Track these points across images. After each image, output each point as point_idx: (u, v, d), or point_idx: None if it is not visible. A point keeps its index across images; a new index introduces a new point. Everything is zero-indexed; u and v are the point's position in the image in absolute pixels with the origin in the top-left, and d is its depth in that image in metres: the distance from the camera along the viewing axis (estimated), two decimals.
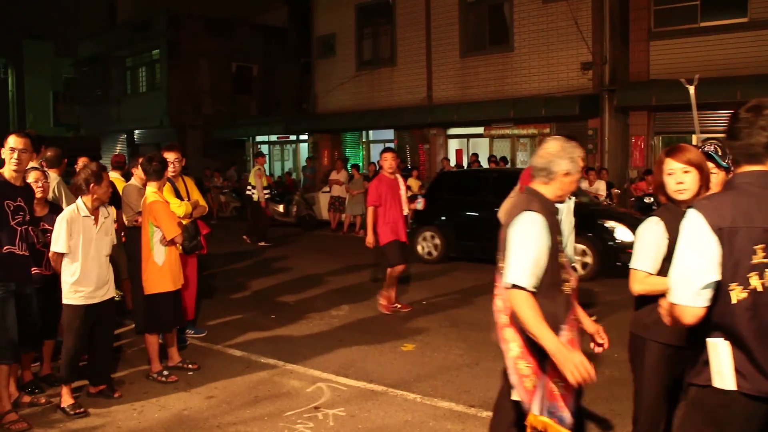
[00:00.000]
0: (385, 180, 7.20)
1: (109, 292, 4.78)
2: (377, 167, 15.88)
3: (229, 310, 7.53)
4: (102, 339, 4.82)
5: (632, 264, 2.99)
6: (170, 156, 5.86)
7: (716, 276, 2.09)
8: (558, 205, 2.94)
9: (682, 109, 13.09)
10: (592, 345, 3.03)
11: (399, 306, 7.37)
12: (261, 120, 23.34)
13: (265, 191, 13.16)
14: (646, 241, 2.95)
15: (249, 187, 13.29)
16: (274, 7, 25.82)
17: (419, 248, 10.69)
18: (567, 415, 2.75)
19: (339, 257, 11.22)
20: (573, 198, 5.54)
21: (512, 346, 2.78)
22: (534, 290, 2.67)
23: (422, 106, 17.03)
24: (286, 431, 4.25)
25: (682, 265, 2.15)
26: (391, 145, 18.26)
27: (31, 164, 4.86)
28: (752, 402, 2.09)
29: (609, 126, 14.03)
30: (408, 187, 9.40)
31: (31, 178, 4.77)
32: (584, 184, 11.43)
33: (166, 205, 5.29)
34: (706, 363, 2.17)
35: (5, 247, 4.23)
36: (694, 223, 2.14)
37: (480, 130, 16.64)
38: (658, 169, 3.02)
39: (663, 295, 2.33)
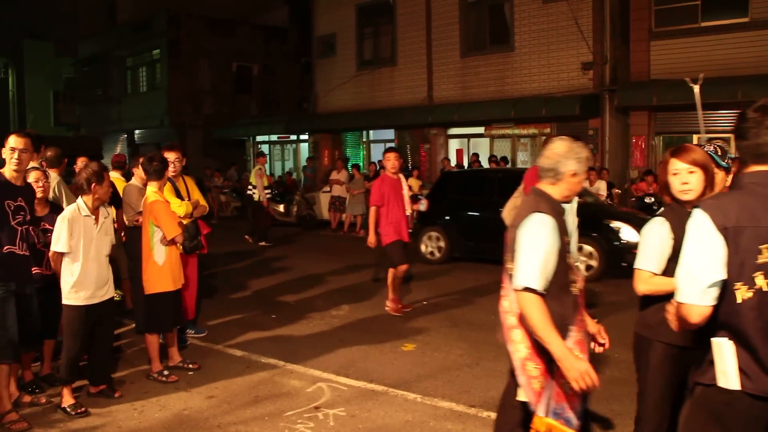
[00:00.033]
0: (387, 180, 7.19)
1: (109, 292, 4.78)
2: (377, 167, 15.93)
3: (229, 310, 7.53)
4: (102, 339, 4.82)
5: (637, 264, 2.99)
6: (171, 156, 5.86)
7: (722, 275, 2.09)
8: (563, 205, 2.94)
9: (683, 109, 13.09)
10: (593, 345, 3.03)
11: (400, 306, 7.36)
12: (261, 120, 23.34)
13: (266, 191, 13.16)
14: (651, 241, 2.95)
15: (250, 187, 13.30)
16: (275, 7, 25.83)
17: (423, 248, 10.64)
18: (573, 417, 2.76)
19: (339, 257, 11.22)
20: (577, 198, 5.54)
21: (521, 348, 2.77)
22: (544, 292, 2.66)
23: (423, 106, 17.02)
24: (286, 431, 4.25)
25: (688, 265, 2.15)
26: (392, 144, 18.28)
27: (32, 164, 4.86)
28: (756, 402, 2.09)
29: (609, 126, 14.03)
30: (408, 187, 9.38)
31: (31, 178, 4.78)
32: (585, 184, 11.43)
33: (167, 205, 5.29)
34: (712, 362, 2.17)
35: (6, 247, 4.23)
36: (699, 223, 2.15)
37: (480, 130, 16.64)
38: (663, 169, 3.02)
39: (668, 296, 2.33)
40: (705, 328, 2.17)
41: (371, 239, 7.24)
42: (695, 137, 13.36)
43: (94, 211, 4.63)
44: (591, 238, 8.72)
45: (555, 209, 2.80)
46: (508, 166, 14.71)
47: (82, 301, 4.53)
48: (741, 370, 2.10)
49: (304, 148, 22.40)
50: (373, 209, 7.19)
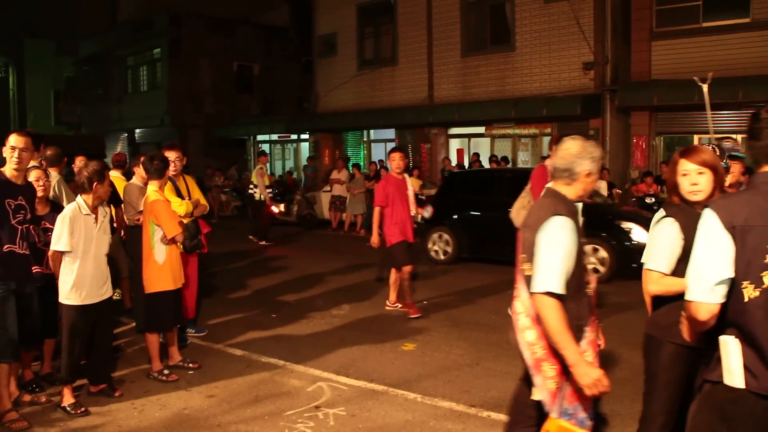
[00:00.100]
0: (392, 180, 7.17)
1: (108, 291, 4.78)
2: (378, 166, 15.94)
3: (229, 309, 7.52)
4: (101, 338, 4.81)
5: (647, 265, 2.99)
6: (171, 155, 5.86)
7: (730, 273, 2.11)
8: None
9: (684, 110, 13.10)
10: None
11: (400, 306, 7.36)
12: (262, 119, 23.35)
13: (267, 190, 13.16)
14: (662, 241, 2.94)
15: (251, 186, 13.30)
16: (276, 7, 25.84)
17: (431, 247, 10.57)
18: (587, 418, 2.77)
19: (340, 256, 11.21)
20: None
21: (536, 349, 2.76)
22: (565, 296, 2.66)
23: (423, 106, 17.02)
24: (286, 430, 4.25)
25: (697, 263, 2.17)
26: (393, 144, 18.29)
27: (31, 163, 4.86)
28: (761, 401, 2.10)
29: (610, 126, 14.02)
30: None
31: (32, 177, 4.78)
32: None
33: (167, 204, 5.29)
34: (720, 360, 2.19)
35: (6, 246, 4.23)
36: (708, 222, 2.17)
37: (481, 129, 16.64)
38: (672, 170, 3.02)
39: (679, 296, 2.33)
40: (715, 329, 2.19)
41: (375, 239, 7.22)
42: (696, 137, 13.39)
43: (94, 210, 4.62)
44: (601, 238, 8.65)
45: (571, 210, 2.80)
46: (509, 166, 14.71)
47: (81, 301, 4.53)
48: (746, 368, 2.11)
49: (305, 147, 22.41)
50: (377, 209, 7.17)
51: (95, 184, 4.55)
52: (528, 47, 15.13)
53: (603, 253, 8.72)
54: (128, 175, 7.21)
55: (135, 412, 4.58)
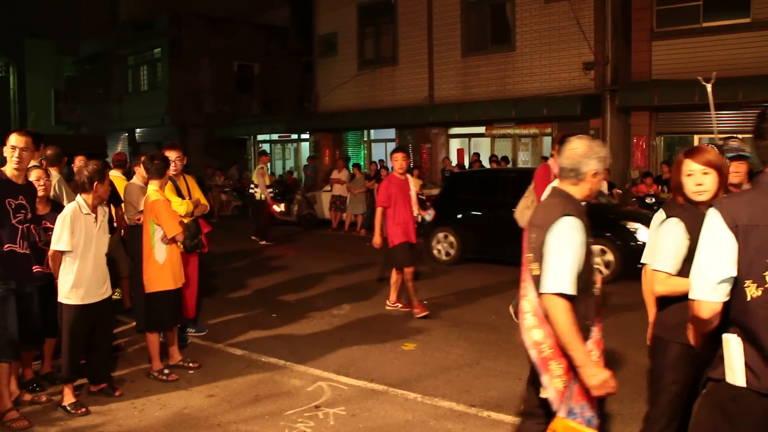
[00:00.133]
0: (395, 180, 7.17)
1: (107, 290, 4.79)
2: (378, 166, 15.94)
3: (229, 309, 7.53)
4: (101, 338, 4.81)
5: (653, 265, 2.99)
6: (172, 154, 5.87)
7: (732, 272, 2.12)
8: None
9: (684, 110, 13.10)
10: None
11: (400, 306, 7.36)
12: (262, 119, 23.34)
13: (268, 190, 13.16)
14: (667, 242, 2.94)
15: (252, 186, 13.29)
16: (276, 6, 25.82)
17: (434, 247, 10.53)
18: (594, 417, 2.77)
19: (340, 256, 11.21)
20: None
21: (544, 348, 2.76)
22: (575, 297, 2.66)
23: (424, 106, 17.02)
24: (286, 430, 4.25)
25: (700, 261, 2.19)
26: (393, 144, 18.30)
27: (32, 162, 4.87)
28: (762, 399, 2.10)
29: (611, 126, 14.01)
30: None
31: (33, 177, 4.78)
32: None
33: (168, 204, 5.29)
34: (722, 358, 2.20)
35: (6, 245, 4.23)
36: (711, 221, 2.18)
37: (481, 129, 16.64)
38: (677, 170, 3.02)
39: (685, 297, 2.34)
40: (720, 328, 2.19)
41: (377, 240, 7.22)
42: (696, 137, 13.39)
43: (94, 209, 4.63)
44: (607, 239, 8.63)
45: (579, 210, 2.80)
46: (509, 165, 14.71)
47: (81, 300, 4.53)
48: (748, 367, 2.11)
49: (305, 147, 22.41)
50: (379, 210, 7.17)
51: (95, 183, 4.56)
52: (528, 47, 15.13)
53: (609, 254, 8.68)
54: (129, 174, 7.22)
55: (135, 412, 4.59)
